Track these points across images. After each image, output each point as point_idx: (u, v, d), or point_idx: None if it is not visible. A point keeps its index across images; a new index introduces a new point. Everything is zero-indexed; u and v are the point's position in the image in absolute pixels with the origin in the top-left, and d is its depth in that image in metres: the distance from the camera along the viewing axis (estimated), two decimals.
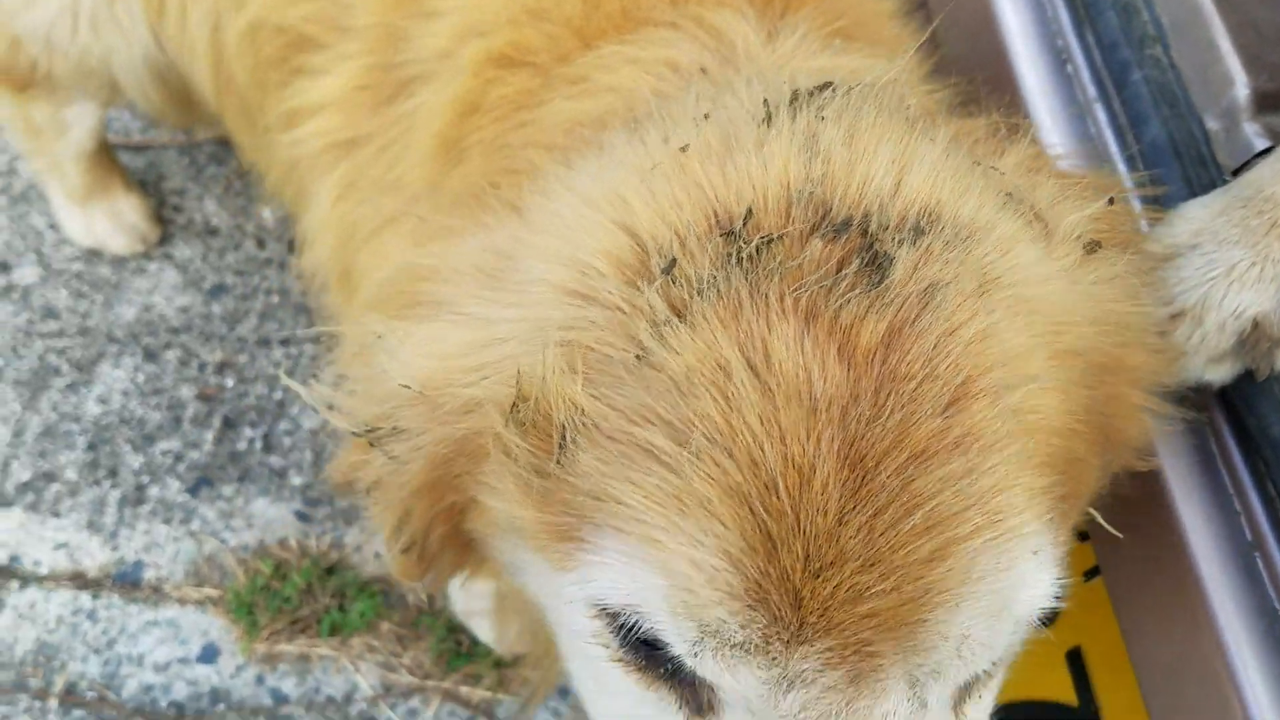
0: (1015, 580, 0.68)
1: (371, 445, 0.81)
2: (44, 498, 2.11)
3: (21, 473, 2.13)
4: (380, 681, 1.98)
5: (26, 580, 2.02)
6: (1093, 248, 0.79)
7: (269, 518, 2.12)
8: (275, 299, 2.38)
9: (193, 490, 2.14)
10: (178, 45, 1.62)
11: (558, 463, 0.69)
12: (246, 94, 1.50)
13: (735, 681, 0.67)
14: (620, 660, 0.73)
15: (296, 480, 2.17)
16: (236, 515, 2.12)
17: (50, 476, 2.13)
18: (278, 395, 2.26)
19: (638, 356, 0.67)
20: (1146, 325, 0.86)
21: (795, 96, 0.76)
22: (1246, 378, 0.97)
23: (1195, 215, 0.98)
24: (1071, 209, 0.80)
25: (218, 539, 2.09)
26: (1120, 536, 0.93)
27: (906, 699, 0.68)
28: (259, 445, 2.20)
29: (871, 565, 0.63)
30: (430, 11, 1.11)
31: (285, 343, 2.32)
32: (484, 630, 1.98)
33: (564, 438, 0.68)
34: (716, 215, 0.70)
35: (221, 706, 1.93)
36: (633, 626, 0.69)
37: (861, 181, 0.69)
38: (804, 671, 0.66)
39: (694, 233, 0.69)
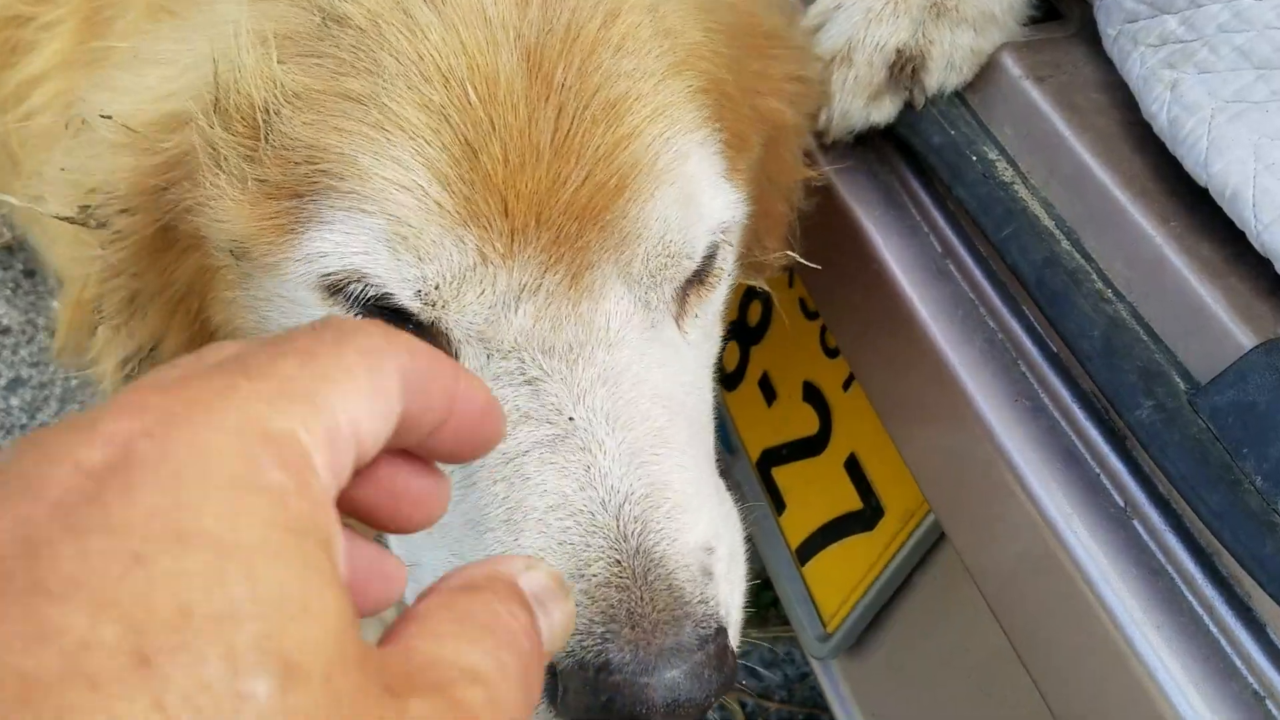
0: (693, 173, 0.74)
1: (90, 226, 0.81)
2: None
3: None
4: None
5: None
6: None
7: None
8: (73, 382, 2.34)
9: None
10: None
11: (266, 141, 0.70)
12: None
13: (462, 312, 0.70)
14: None
15: None
16: None
17: None
18: None
19: (323, 20, 0.70)
20: (786, 32, 0.96)
21: None
22: (908, 111, 1.08)
23: None
24: None
25: None
26: (819, 268, 1.02)
27: (627, 299, 0.73)
28: None
29: (564, 155, 0.68)
30: None
31: None
32: None
33: (268, 114, 0.69)
34: None
35: None
36: (361, 295, 0.71)
37: None
38: (526, 280, 0.69)
39: None
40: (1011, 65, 1.03)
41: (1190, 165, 0.90)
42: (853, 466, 1.33)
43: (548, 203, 0.69)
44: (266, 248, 0.73)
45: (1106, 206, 0.94)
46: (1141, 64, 0.95)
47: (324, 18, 0.71)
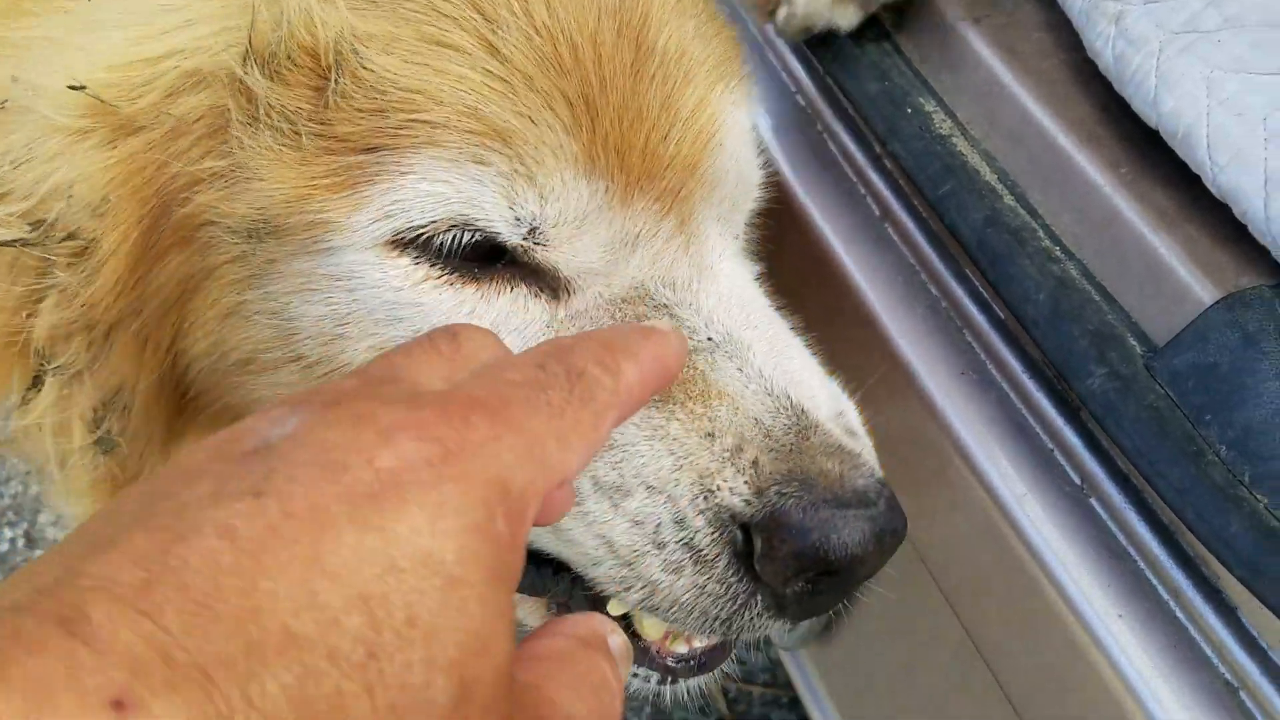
0: (744, 114, 0.79)
1: (49, 244, 0.66)
2: None
3: None
4: None
5: None
6: None
7: None
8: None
9: None
10: None
11: (338, 88, 0.63)
12: None
13: (575, 254, 0.70)
14: (449, 281, 0.68)
15: None
16: None
17: None
18: (34, 490, 2.12)
19: None
20: None
21: None
22: (840, 58, 1.00)
23: None
24: None
25: None
26: None
27: (723, 235, 0.78)
28: (21, 543, 2.05)
29: (667, 114, 0.71)
30: None
31: None
32: None
33: (339, 56, 0.63)
34: None
35: None
36: (454, 242, 0.67)
37: None
38: (642, 229, 0.71)
39: None
40: (947, 6, 0.95)
41: (1139, 105, 0.82)
42: None
43: (657, 158, 0.71)
44: (316, 210, 0.65)
45: (1052, 156, 0.86)
46: None
47: None
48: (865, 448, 0.73)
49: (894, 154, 0.92)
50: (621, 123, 0.69)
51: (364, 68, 0.63)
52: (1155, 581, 0.76)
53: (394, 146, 0.64)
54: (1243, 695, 0.71)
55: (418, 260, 0.67)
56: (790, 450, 0.67)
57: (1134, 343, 0.78)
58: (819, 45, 1.03)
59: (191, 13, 0.66)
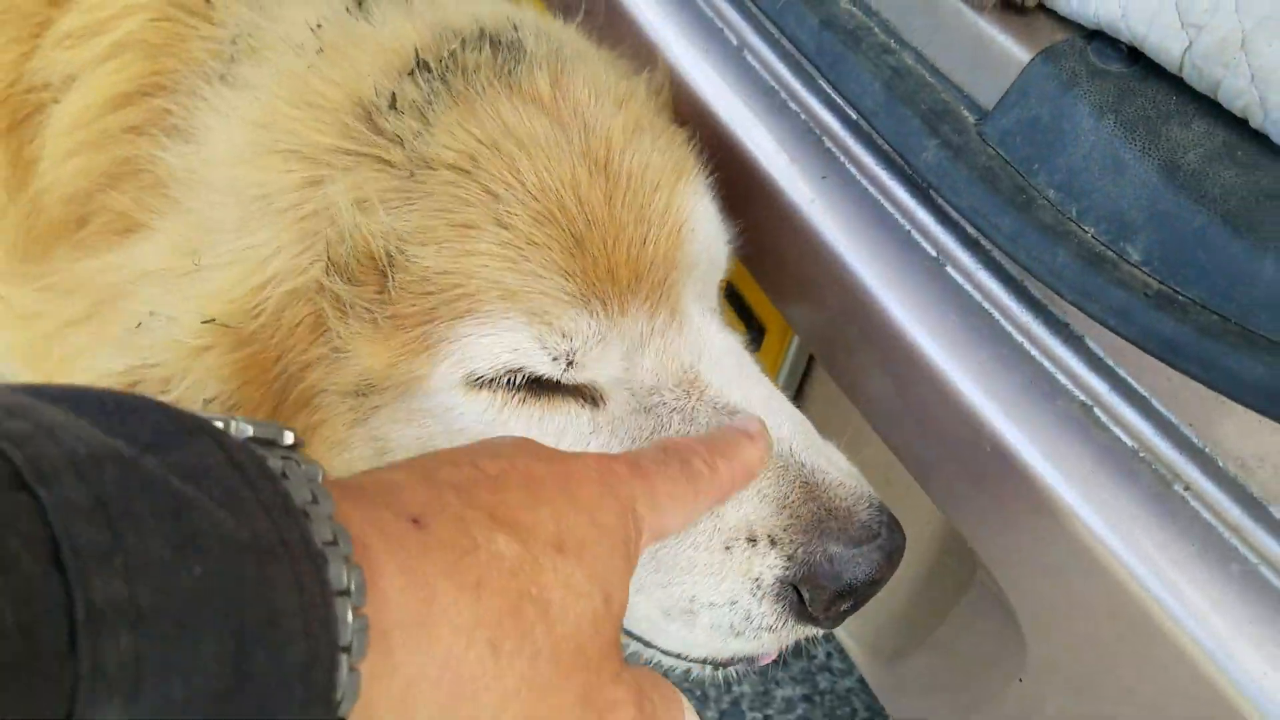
0: (707, 199, 0.92)
1: None
2: None
3: None
4: None
5: None
6: None
7: None
8: None
9: None
10: None
11: (394, 282, 0.79)
12: None
13: (602, 368, 0.83)
14: (522, 400, 0.83)
15: None
16: None
17: None
18: None
19: (410, 171, 0.80)
20: None
21: None
22: None
23: None
24: None
25: None
26: None
27: (704, 312, 0.90)
28: None
29: (640, 224, 0.84)
30: None
31: None
32: None
33: (390, 258, 0.79)
34: (395, 64, 0.86)
35: None
36: (513, 381, 0.82)
37: (467, 15, 0.92)
38: (641, 328, 0.84)
39: (391, 75, 0.85)
40: None
41: None
42: (733, 296, 1.31)
43: (640, 262, 0.84)
44: (406, 370, 0.82)
45: None
46: None
47: (411, 169, 0.81)
48: (852, 475, 0.86)
49: None
50: (606, 245, 0.82)
51: (410, 261, 0.79)
52: (1009, 327, 0.81)
53: (447, 318, 0.80)
54: (1097, 412, 0.77)
55: (494, 392, 0.84)
56: (801, 505, 0.82)
57: (966, 114, 0.83)
58: None
59: (277, 241, 0.83)
